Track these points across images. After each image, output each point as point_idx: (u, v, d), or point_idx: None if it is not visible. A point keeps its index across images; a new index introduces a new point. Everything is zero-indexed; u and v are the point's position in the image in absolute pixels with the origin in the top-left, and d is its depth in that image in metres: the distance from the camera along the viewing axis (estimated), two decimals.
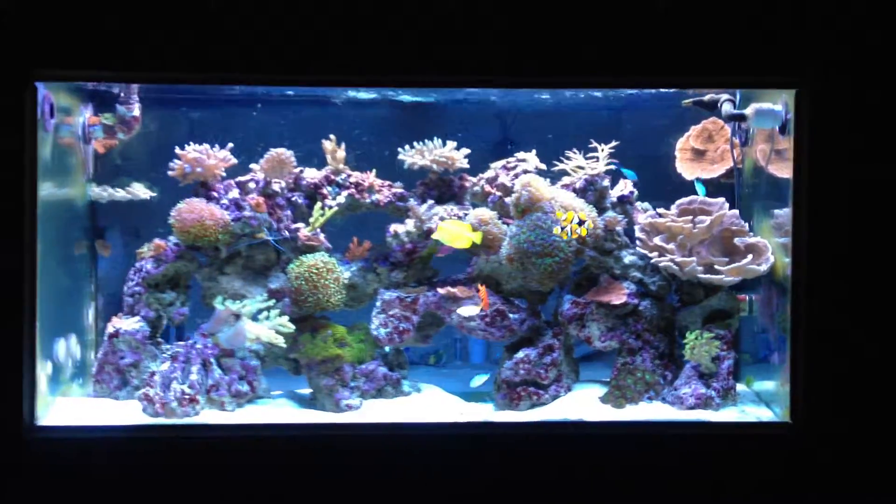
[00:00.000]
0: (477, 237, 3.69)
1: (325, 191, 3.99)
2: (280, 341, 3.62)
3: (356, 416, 3.71)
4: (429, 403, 3.87)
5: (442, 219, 3.86)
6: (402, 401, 3.90)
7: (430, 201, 3.93)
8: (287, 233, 3.90)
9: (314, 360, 3.79)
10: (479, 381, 3.75)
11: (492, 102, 4.27)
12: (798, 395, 3.40)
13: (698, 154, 4.21)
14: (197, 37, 3.18)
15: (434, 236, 3.71)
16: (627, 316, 3.85)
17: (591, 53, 3.27)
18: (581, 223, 3.51)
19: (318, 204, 3.92)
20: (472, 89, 3.97)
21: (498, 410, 3.81)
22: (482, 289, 3.69)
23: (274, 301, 3.75)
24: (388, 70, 3.25)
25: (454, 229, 3.67)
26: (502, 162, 4.05)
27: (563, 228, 3.55)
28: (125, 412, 3.61)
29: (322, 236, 3.94)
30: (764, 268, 3.66)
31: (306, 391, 3.94)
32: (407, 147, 4.00)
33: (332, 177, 4.01)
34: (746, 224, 3.87)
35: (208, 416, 3.55)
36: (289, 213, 3.96)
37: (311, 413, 3.75)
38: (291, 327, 3.69)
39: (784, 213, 3.61)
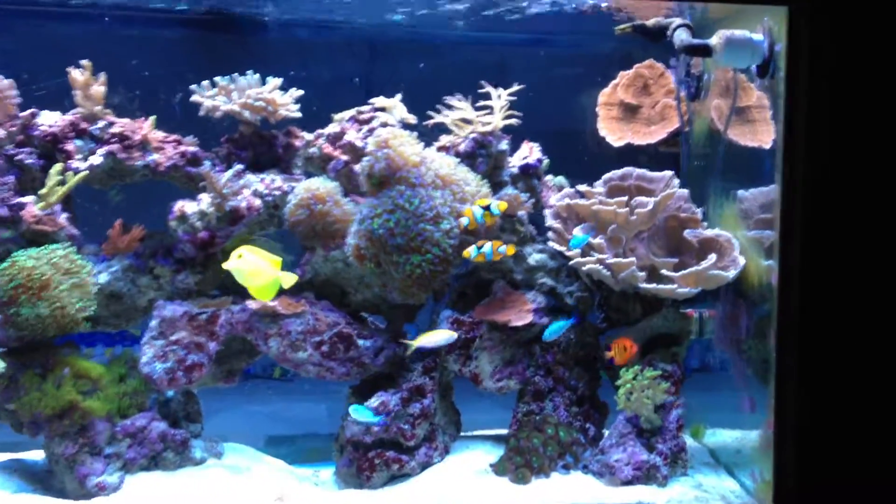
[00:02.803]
0: (287, 279, 2.40)
1: (70, 146, 2.57)
2: None
3: None
4: (231, 478, 2.51)
5: (259, 195, 2.51)
6: (189, 475, 2.52)
7: (239, 166, 2.58)
8: (5, 210, 2.44)
9: (44, 414, 2.37)
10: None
11: (340, 26, 2.93)
12: (788, 465, 2.26)
13: (629, 111, 3.04)
14: None
15: (228, 265, 2.36)
16: (533, 342, 2.62)
17: None
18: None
19: (58, 166, 2.49)
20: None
21: (340, 489, 2.51)
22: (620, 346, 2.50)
23: None
24: None
25: (254, 263, 2.36)
26: (351, 112, 2.75)
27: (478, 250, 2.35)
28: None
29: (63, 217, 2.52)
30: (732, 273, 2.51)
31: (41, 456, 2.54)
32: (206, 84, 2.62)
33: (84, 125, 2.60)
34: (699, 210, 2.71)
35: None
36: (11, 178, 2.51)
37: (34, 502, 2.33)
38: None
39: (753, 196, 2.58)
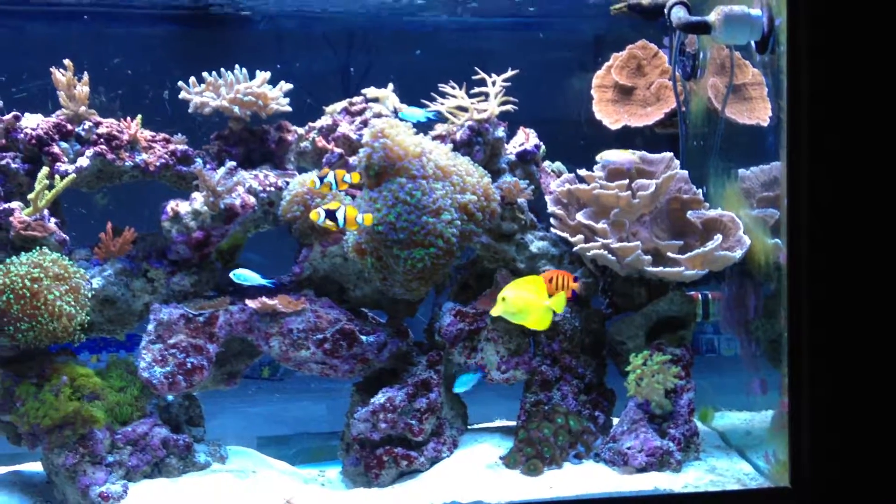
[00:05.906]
0: (557, 304, 2.32)
1: (56, 148, 2.49)
2: None
3: None
4: (237, 482, 2.45)
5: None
6: (194, 480, 2.47)
7: (231, 163, 2.51)
8: None
9: (42, 426, 2.31)
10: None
11: (329, 17, 2.87)
12: (802, 447, 2.23)
13: (624, 93, 2.99)
14: None
15: (496, 312, 2.28)
16: (538, 331, 2.57)
17: None
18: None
19: (45, 170, 2.41)
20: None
21: (349, 488, 2.46)
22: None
23: None
24: None
25: (520, 300, 2.28)
26: (343, 103, 2.69)
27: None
28: None
29: (53, 222, 2.44)
30: (739, 253, 2.48)
31: (40, 467, 2.48)
32: (193, 80, 2.55)
33: (69, 126, 2.52)
34: (700, 191, 2.67)
35: None
36: None
37: None
38: None
39: (755, 174, 2.55)
